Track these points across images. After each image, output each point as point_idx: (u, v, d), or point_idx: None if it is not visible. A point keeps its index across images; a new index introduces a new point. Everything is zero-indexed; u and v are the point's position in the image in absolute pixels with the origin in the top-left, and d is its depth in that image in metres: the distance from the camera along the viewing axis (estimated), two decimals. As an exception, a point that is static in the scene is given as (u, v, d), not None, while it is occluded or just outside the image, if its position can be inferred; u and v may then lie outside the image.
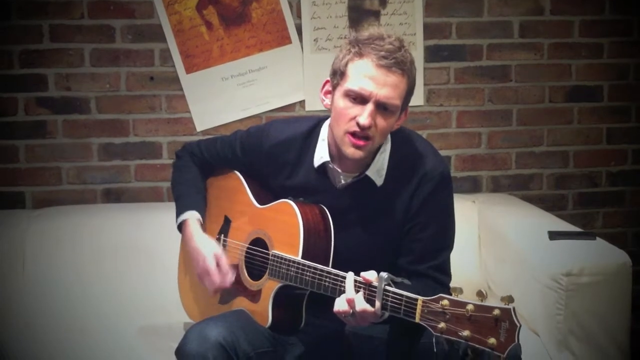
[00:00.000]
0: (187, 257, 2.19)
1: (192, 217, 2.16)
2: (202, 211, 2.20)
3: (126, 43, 2.93)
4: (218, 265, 2.06)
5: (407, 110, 1.98)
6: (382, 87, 1.86)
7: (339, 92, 1.92)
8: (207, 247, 2.09)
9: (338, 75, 1.92)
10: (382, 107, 1.88)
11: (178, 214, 2.19)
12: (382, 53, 1.85)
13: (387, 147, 2.01)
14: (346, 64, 1.90)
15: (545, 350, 2.35)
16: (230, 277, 2.07)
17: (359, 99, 1.88)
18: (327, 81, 1.99)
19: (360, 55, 1.88)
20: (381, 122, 1.89)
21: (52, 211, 2.81)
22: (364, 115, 1.86)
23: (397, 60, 1.86)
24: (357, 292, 1.77)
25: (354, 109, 1.88)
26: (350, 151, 1.91)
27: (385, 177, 1.99)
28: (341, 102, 1.90)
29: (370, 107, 1.87)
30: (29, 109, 2.91)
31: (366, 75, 1.86)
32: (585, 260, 2.34)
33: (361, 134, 1.88)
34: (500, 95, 3.15)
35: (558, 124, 3.20)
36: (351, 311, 1.77)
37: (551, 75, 3.17)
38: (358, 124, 1.87)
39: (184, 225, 2.16)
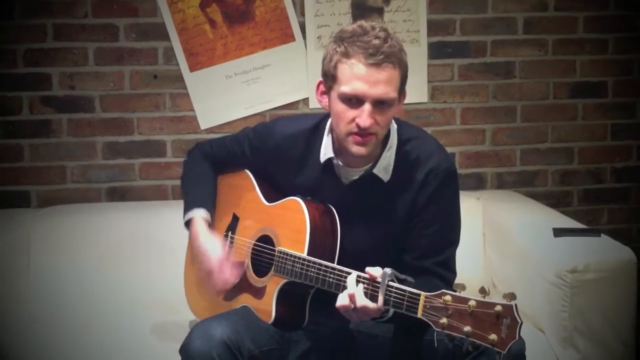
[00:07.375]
0: (194, 255, 2.19)
1: (198, 215, 2.15)
2: (210, 206, 2.19)
3: (130, 42, 2.93)
4: (221, 266, 2.05)
5: (404, 93, 1.94)
6: (376, 86, 1.83)
7: (334, 95, 1.90)
8: (211, 247, 2.07)
9: (329, 78, 1.90)
10: (379, 104, 1.86)
11: (185, 210, 2.18)
12: (370, 50, 1.82)
13: (393, 144, 2.00)
14: (335, 66, 1.87)
15: (550, 347, 2.35)
16: (232, 279, 2.06)
17: (355, 100, 1.86)
18: (320, 82, 1.96)
19: (347, 55, 1.84)
20: (381, 117, 1.87)
21: (57, 210, 2.81)
22: (362, 117, 1.85)
23: (385, 54, 1.82)
24: (358, 284, 1.78)
25: (352, 112, 1.86)
26: (355, 149, 1.90)
27: (392, 173, 1.99)
28: (338, 106, 1.89)
29: (367, 107, 1.85)
30: (33, 108, 2.91)
31: (357, 76, 1.83)
32: (590, 257, 2.34)
33: (363, 132, 1.87)
34: (504, 92, 3.14)
35: (563, 120, 3.19)
36: (352, 306, 1.77)
37: (555, 72, 3.16)
38: (358, 126, 1.86)
39: (190, 224, 2.15)
